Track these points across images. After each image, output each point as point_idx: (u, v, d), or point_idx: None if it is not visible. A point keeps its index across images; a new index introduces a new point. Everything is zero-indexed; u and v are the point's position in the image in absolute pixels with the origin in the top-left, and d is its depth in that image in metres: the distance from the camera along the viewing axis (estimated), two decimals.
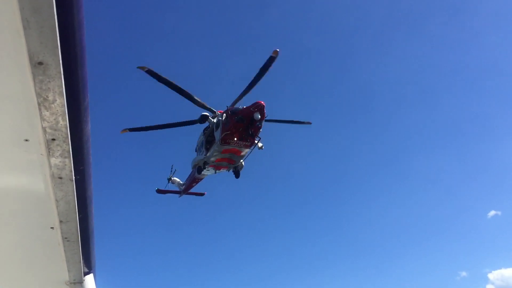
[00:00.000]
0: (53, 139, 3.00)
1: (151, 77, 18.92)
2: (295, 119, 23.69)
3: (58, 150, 3.11)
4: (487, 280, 76.43)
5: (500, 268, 78.43)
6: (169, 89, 19.67)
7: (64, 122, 2.88)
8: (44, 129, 2.90)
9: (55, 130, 2.93)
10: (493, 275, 73.63)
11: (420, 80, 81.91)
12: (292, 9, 77.67)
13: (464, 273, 74.95)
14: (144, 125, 22.73)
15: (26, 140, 3.09)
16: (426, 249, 78.85)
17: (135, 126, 22.55)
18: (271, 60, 18.99)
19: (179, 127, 22.48)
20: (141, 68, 18.59)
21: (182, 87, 19.89)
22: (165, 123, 22.35)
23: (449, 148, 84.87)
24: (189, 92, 20.50)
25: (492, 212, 76.21)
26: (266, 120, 19.86)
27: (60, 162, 3.22)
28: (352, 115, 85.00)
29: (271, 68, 19.14)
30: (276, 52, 18.69)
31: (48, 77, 2.52)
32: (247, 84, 19.78)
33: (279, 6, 76.40)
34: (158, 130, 22.72)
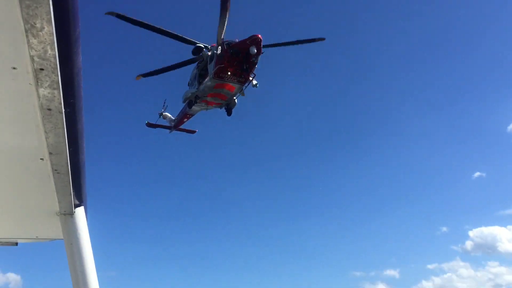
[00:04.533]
0: (42, 69, 2.84)
1: (124, 21, 18.70)
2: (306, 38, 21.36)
3: (47, 81, 2.96)
4: (467, 237, 80.00)
5: (480, 226, 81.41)
6: (153, 32, 19.42)
7: (52, 52, 2.71)
8: (32, 57, 2.74)
9: (44, 59, 2.76)
10: (473, 233, 76.36)
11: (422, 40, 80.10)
12: None
13: (445, 228, 78.17)
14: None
15: (14, 68, 2.94)
16: (411, 203, 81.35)
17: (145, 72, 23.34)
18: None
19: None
20: (110, 13, 18.27)
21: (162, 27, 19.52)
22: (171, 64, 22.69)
23: (442, 109, 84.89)
24: (171, 31, 20.08)
25: (477, 174, 78.02)
26: (276, 45, 19.23)
27: (49, 93, 3.08)
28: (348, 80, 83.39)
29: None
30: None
31: (35, 2, 2.32)
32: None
33: None
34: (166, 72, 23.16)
